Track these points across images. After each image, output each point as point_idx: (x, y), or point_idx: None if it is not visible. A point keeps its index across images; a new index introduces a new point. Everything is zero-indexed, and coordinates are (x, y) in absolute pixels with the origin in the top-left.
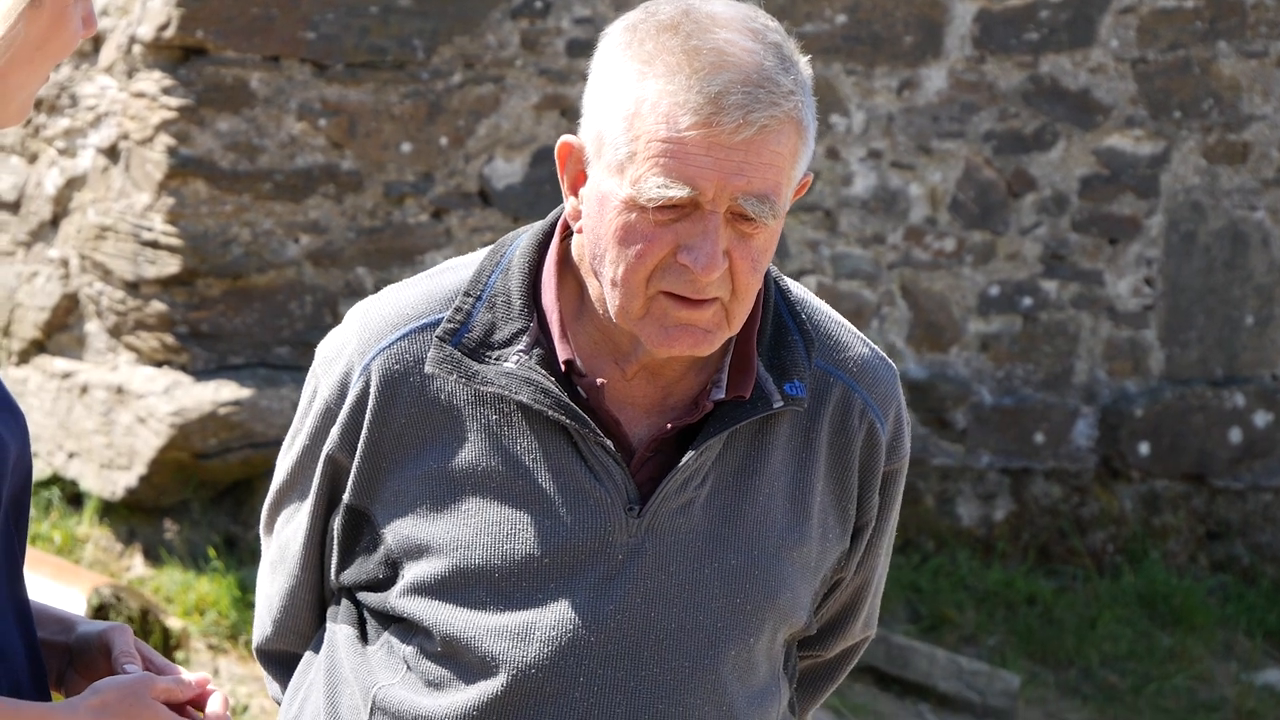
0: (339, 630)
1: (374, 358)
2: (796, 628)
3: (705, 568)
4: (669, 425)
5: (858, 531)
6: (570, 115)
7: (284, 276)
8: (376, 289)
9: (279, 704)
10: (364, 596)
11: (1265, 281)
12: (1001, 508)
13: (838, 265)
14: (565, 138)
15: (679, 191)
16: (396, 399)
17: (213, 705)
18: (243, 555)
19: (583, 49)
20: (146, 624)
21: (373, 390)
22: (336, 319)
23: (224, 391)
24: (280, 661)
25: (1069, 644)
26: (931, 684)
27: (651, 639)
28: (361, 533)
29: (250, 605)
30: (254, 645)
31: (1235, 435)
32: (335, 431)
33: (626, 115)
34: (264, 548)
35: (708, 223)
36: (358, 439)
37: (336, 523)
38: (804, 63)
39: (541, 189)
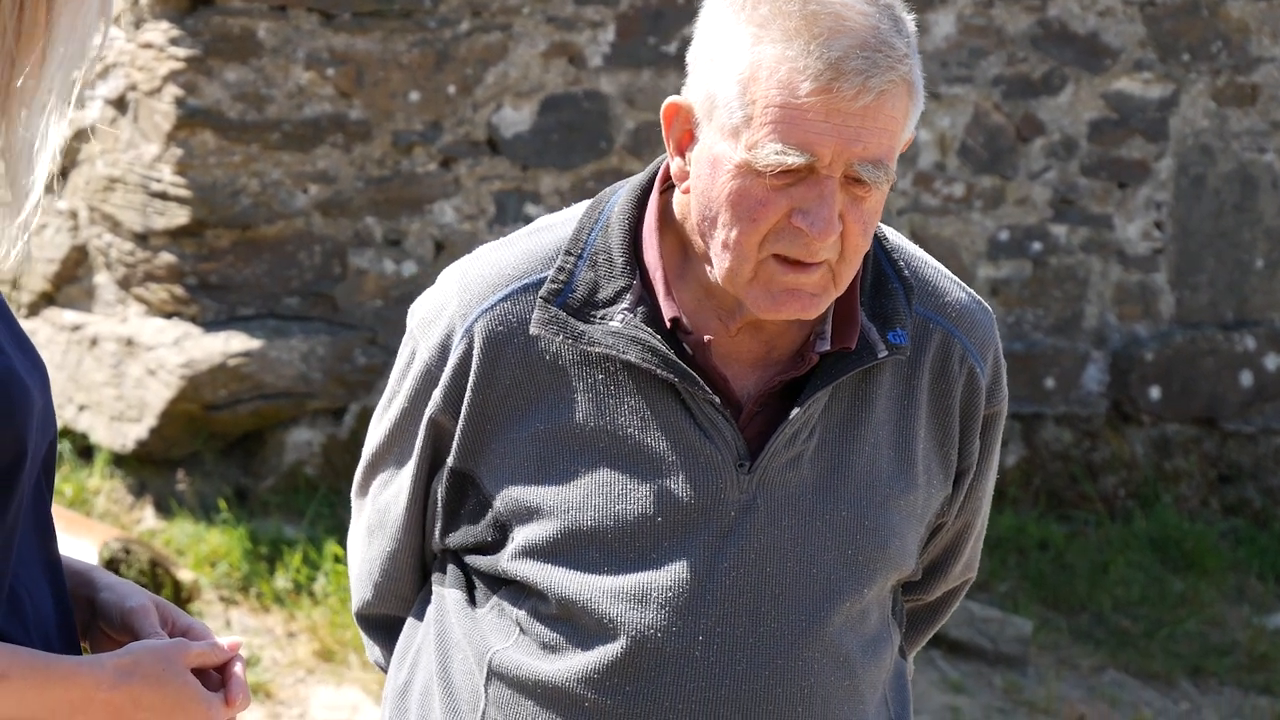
0: (447, 594)
1: (477, 319)
2: (905, 574)
3: (816, 520)
4: (776, 379)
5: (959, 476)
6: (578, 63)
7: (293, 227)
8: (385, 239)
9: (381, 668)
10: (472, 559)
11: (1275, 224)
12: (1013, 453)
13: None
14: (672, 99)
15: (797, 159)
16: (501, 360)
17: (234, 669)
18: (253, 507)
19: None
20: (157, 576)
21: (476, 352)
22: (346, 269)
23: (234, 343)
24: (382, 625)
25: (1081, 589)
26: (943, 631)
27: (768, 594)
28: (466, 496)
29: (261, 557)
30: (353, 611)
31: (1246, 378)
32: (438, 394)
33: (742, 79)
34: (356, 512)
35: (824, 187)
36: (461, 401)
37: (440, 486)
38: (910, 21)
39: (549, 137)
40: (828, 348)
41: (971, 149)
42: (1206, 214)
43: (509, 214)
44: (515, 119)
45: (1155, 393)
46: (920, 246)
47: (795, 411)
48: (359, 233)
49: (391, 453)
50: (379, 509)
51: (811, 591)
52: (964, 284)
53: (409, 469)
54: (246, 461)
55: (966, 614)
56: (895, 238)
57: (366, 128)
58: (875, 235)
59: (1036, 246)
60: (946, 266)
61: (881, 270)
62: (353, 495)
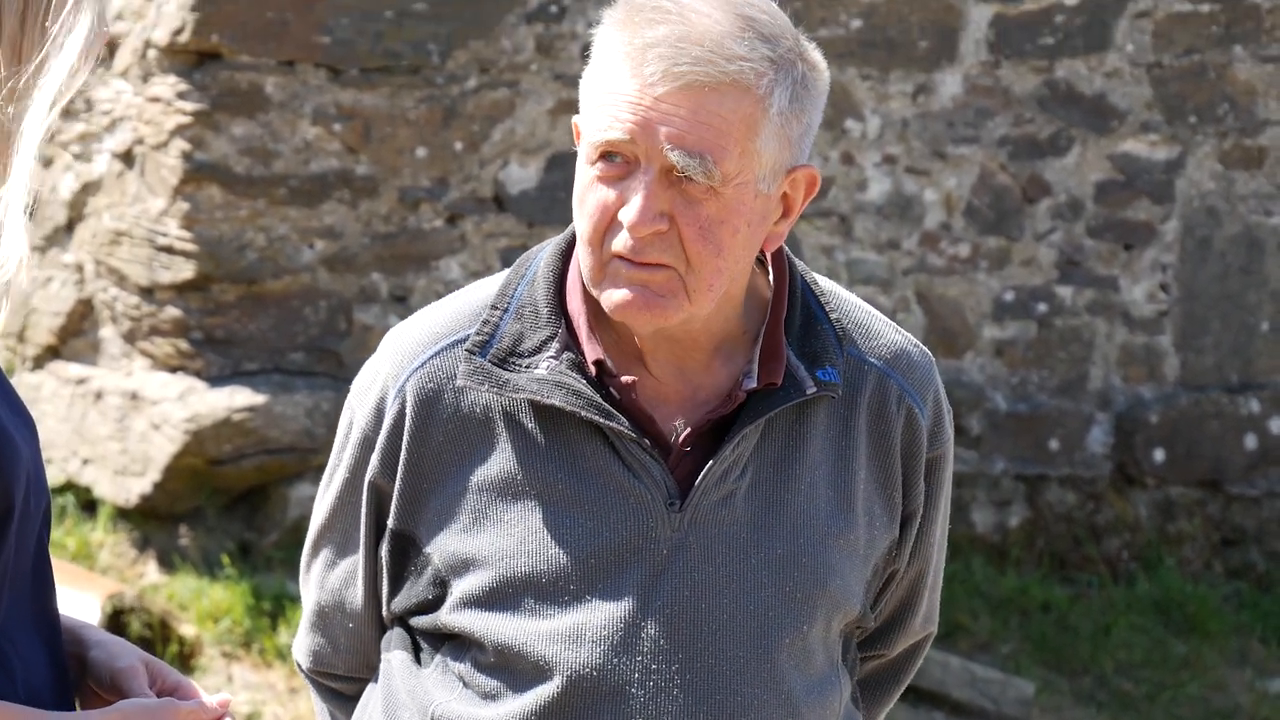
0: (393, 657)
1: (408, 378)
2: (851, 616)
3: (752, 557)
4: (704, 419)
5: (906, 520)
6: None
7: (299, 282)
8: (391, 295)
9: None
10: (415, 621)
11: None
12: (1016, 514)
13: (852, 270)
14: (576, 116)
15: (613, 134)
16: (433, 417)
17: None
18: (257, 562)
19: None
20: (166, 632)
21: (409, 410)
22: (351, 325)
23: (238, 398)
24: (344, 681)
25: (1083, 651)
26: (945, 692)
27: (704, 631)
28: (408, 557)
29: (264, 613)
30: (305, 668)
31: (1250, 441)
32: (375, 458)
33: (590, 73)
34: (306, 593)
35: (642, 178)
36: (397, 462)
37: (384, 550)
38: (796, 50)
39: (556, 194)
40: (754, 385)
41: (977, 209)
42: (1212, 276)
43: None
44: (522, 176)
45: (1159, 455)
46: (925, 307)
47: (724, 448)
48: (365, 288)
49: (336, 528)
50: (330, 590)
51: (749, 628)
52: (900, 328)
53: (359, 541)
54: (250, 516)
55: (968, 675)
56: (828, 284)
57: (373, 183)
58: (805, 280)
59: (1042, 307)
60: (951, 326)
61: (811, 312)
62: (301, 573)
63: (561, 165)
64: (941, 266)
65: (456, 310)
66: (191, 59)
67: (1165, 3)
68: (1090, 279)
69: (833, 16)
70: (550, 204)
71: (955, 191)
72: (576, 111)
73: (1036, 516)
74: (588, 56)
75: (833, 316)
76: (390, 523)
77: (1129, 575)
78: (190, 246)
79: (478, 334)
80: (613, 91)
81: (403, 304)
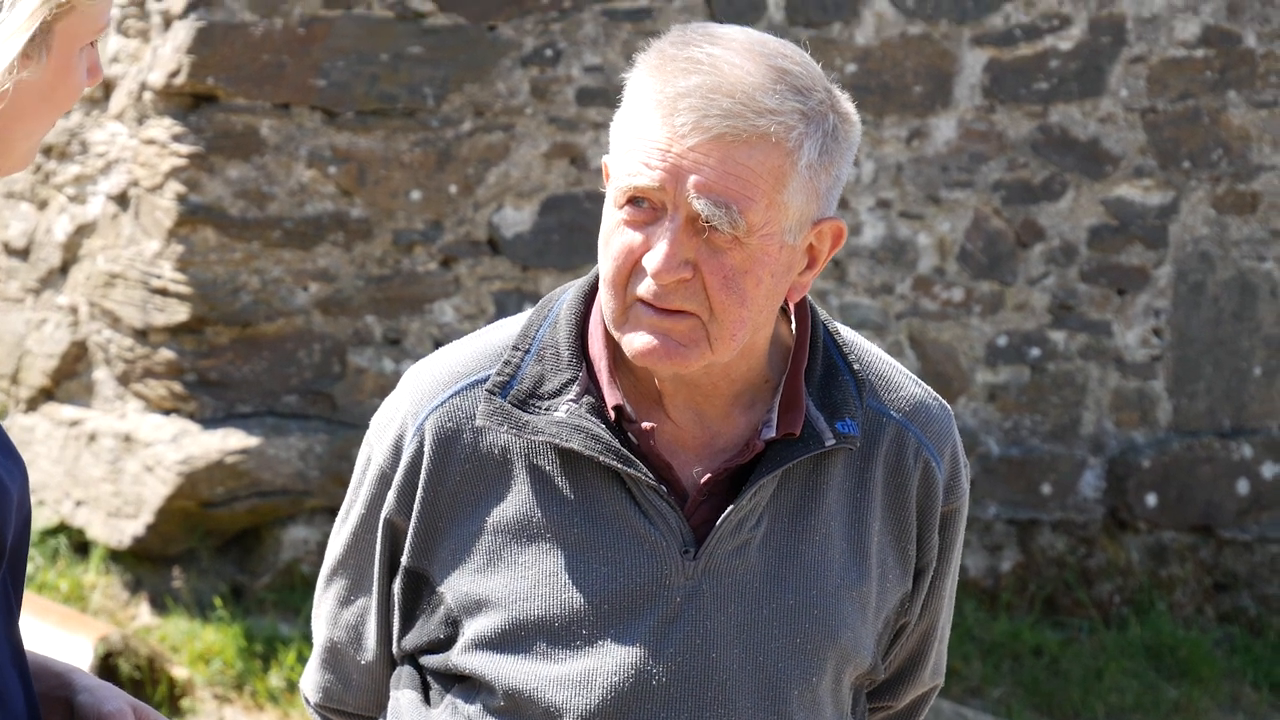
0: (402, 696)
1: (427, 417)
2: (862, 669)
3: (764, 608)
4: (722, 467)
5: (919, 573)
6: (580, 164)
7: (292, 324)
8: (385, 338)
9: None
10: (426, 660)
11: (1274, 332)
12: (1008, 559)
13: (846, 315)
14: (606, 157)
15: (641, 181)
16: (451, 456)
17: None
18: (249, 604)
19: (592, 97)
20: (155, 673)
21: (427, 449)
22: (345, 367)
23: (231, 440)
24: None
25: (1075, 696)
26: None
27: (714, 680)
28: (421, 595)
29: (256, 655)
30: (314, 703)
31: (1243, 486)
32: (391, 495)
33: (622, 116)
34: (317, 628)
35: (669, 225)
36: (413, 499)
37: (396, 587)
38: (828, 101)
39: (550, 238)
40: (773, 435)
41: (971, 254)
42: (1205, 321)
43: (509, 314)
44: (516, 219)
45: (1152, 500)
46: (918, 351)
47: (741, 498)
48: (359, 331)
49: (350, 564)
50: (344, 626)
51: (759, 678)
52: (921, 381)
53: (373, 578)
54: (243, 559)
55: (960, 719)
56: (850, 334)
57: (367, 226)
58: (828, 330)
59: (1035, 352)
60: (944, 370)
61: (833, 362)
62: (314, 608)
63: (556, 209)
64: (935, 311)
65: (478, 350)
66: (187, 101)
67: (1159, 48)
68: (1083, 324)
69: (828, 61)
70: (544, 247)
71: (949, 236)
72: (571, 155)
73: (1028, 561)
74: (582, 100)
75: (854, 367)
76: (404, 560)
77: (1121, 620)
78: (184, 289)
79: (498, 374)
80: (643, 138)
81: (396, 347)
